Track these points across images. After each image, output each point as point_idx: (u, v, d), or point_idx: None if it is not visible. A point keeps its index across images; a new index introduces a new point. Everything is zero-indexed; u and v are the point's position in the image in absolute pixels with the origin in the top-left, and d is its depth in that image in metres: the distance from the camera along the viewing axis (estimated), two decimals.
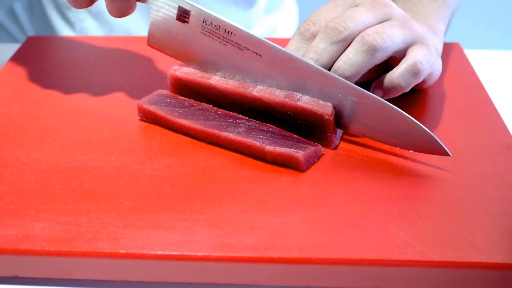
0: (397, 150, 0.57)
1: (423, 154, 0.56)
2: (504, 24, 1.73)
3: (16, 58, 0.76)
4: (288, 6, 1.10)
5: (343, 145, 0.59)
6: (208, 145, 0.58)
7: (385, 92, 0.59)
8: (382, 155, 0.57)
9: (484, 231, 0.48)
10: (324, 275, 0.47)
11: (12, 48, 0.83)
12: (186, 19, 0.60)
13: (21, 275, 0.48)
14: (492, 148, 0.58)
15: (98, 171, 0.55)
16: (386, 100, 0.58)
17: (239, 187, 0.53)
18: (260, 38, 0.58)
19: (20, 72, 0.72)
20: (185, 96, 0.63)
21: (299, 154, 0.54)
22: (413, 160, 0.56)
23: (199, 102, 0.62)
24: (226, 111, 0.61)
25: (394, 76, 0.58)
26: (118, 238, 0.48)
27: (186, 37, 0.61)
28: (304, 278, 0.47)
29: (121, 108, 0.65)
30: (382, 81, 0.59)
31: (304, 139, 0.57)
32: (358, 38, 0.57)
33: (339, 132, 0.59)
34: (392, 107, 0.56)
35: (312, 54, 0.57)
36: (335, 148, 0.58)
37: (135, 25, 0.97)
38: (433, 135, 0.55)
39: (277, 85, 0.59)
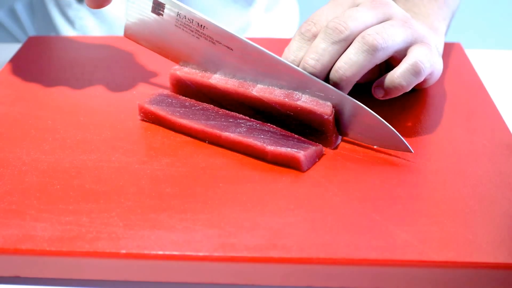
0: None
1: (423, 154, 0.56)
2: (505, 24, 1.72)
3: (17, 58, 0.76)
4: (289, 6, 1.10)
5: (344, 145, 0.59)
6: (209, 145, 0.58)
7: (386, 91, 0.59)
8: (383, 155, 0.57)
9: (485, 231, 0.48)
10: (325, 275, 0.47)
11: (13, 48, 0.83)
12: (161, 12, 0.61)
13: (22, 275, 0.48)
14: (493, 148, 0.58)
15: (99, 171, 0.55)
16: (387, 100, 0.59)
17: (240, 187, 0.53)
18: (232, 32, 0.60)
19: (21, 72, 0.72)
20: (186, 96, 0.63)
21: (300, 154, 0.54)
22: (414, 160, 0.56)
23: (200, 102, 0.62)
24: (227, 111, 0.61)
25: (395, 75, 0.58)
26: (119, 238, 0.48)
27: (161, 30, 0.63)
28: (305, 278, 0.47)
29: (122, 108, 0.65)
30: (383, 81, 0.59)
31: (305, 139, 0.57)
32: (358, 38, 0.57)
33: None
34: (355, 102, 0.56)
35: (313, 54, 0.57)
36: (336, 148, 0.58)
37: None
38: (395, 131, 0.56)
39: (249, 78, 0.60)
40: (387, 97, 0.60)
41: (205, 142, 0.59)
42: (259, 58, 0.59)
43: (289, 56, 0.59)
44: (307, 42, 0.59)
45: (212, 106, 0.62)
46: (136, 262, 0.47)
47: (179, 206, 0.51)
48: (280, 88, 0.59)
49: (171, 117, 0.60)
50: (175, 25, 0.61)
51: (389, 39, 0.57)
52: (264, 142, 0.56)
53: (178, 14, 0.61)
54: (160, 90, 0.64)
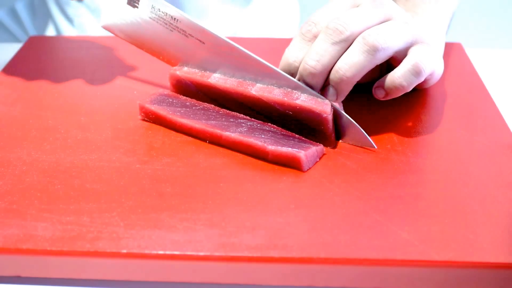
0: (399, 149, 0.57)
1: (424, 153, 0.56)
2: (506, 23, 1.72)
3: (18, 58, 0.76)
4: (289, 6, 1.10)
5: (345, 144, 0.59)
6: (210, 145, 0.58)
7: (387, 92, 0.59)
8: (383, 155, 0.57)
9: (486, 231, 0.48)
10: (326, 274, 0.47)
11: (14, 47, 0.83)
12: (136, 4, 0.63)
13: (23, 274, 0.48)
14: (494, 147, 0.58)
15: (100, 170, 0.55)
16: (387, 100, 0.59)
17: (240, 187, 0.53)
18: (203, 26, 0.61)
19: (21, 72, 0.72)
20: (186, 96, 0.63)
21: (301, 154, 0.54)
22: (415, 160, 0.56)
23: (200, 102, 0.62)
24: (227, 111, 0.61)
25: (396, 76, 0.58)
26: (120, 238, 0.48)
27: (136, 21, 0.64)
28: (305, 278, 0.47)
29: (122, 108, 0.65)
30: (384, 81, 0.59)
31: (306, 139, 0.57)
32: (359, 39, 0.57)
33: None
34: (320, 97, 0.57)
35: (313, 55, 0.57)
36: (337, 147, 0.58)
37: None
38: (359, 126, 0.57)
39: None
40: (388, 98, 0.60)
41: (206, 142, 0.59)
42: (230, 51, 0.60)
43: (289, 57, 0.59)
44: (307, 42, 0.59)
45: (212, 105, 0.62)
46: (137, 262, 0.47)
47: (179, 206, 0.51)
48: (256, 82, 0.60)
49: (172, 117, 0.60)
50: (150, 18, 0.63)
51: (389, 39, 0.57)
52: (264, 142, 0.56)
53: (152, 7, 0.62)
54: (161, 90, 0.64)
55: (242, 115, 0.60)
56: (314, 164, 0.56)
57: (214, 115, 0.60)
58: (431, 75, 0.62)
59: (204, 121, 0.59)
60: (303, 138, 0.57)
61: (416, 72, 0.58)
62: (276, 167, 0.55)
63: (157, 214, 0.50)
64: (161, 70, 0.68)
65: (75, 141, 0.59)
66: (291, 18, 1.10)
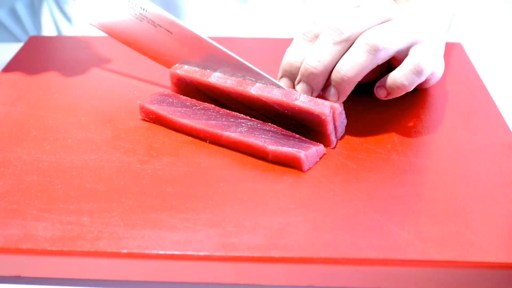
0: (399, 149, 0.57)
1: (424, 153, 0.56)
2: (506, 23, 1.72)
3: (18, 58, 0.76)
4: (289, 5, 1.10)
5: (345, 144, 0.59)
6: (210, 145, 0.58)
7: (388, 91, 0.59)
8: (384, 155, 0.57)
9: (486, 231, 0.48)
10: (326, 274, 0.47)
11: (14, 47, 0.83)
12: None
13: (23, 274, 0.48)
14: (494, 147, 0.58)
15: (100, 170, 0.55)
16: (388, 99, 0.59)
17: (241, 186, 0.53)
18: (171, 17, 0.62)
19: (22, 72, 0.72)
20: (186, 95, 0.63)
21: (301, 153, 0.54)
22: (415, 160, 0.56)
23: (201, 102, 0.62)
24: (228, 111, 0.61)
25: (398, 75, 0.58)
26: (120, 237, 0.48)
27: (109, 11, 0.65)
28: (306, 277, 0.47)
29: (123, 107, 0.65)
30: (385, 81, 0.59)
31: (306, 139, 0.57)
32: (360, 39, 0.57)
33: (341, 131, 0.59)
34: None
35: (314, 55, 0.57)
36: (337, 147, 0.58)
37: None
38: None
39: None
40: (390, 97, 0.60)
41: (206, 141, 0.59)
42: (196, 42, 0.61)
43: (290, 57, 0.59)
44: (308, 42, 0.59)
45: (213, 105, 0.62)
46: (137, 262, 0.47)
47: (180, 206, 0.51)
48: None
49: (172, 116, 0.60)
50: (121, 7, 0.64)
51: (390, 39, 0.57)
52: (265, 142, 0.56)
53: None
54: (161, 90, 0.64)
55: (242, 115, 0.60)
56: (314, 164, 0.56)
57: (214, 115, 0.60)
58: (432, 74, 0.62)
59: (204, 121, 0.59)
60: (303, 138, 0.57)
61: (418, 72, 0.58)
62: (276, 167, 0.55)
63: (157, 214, 0.50)
64: (161, 70, 0.67)
65: (75, 141, 0.59)
66: (291, 14, 1.10)
